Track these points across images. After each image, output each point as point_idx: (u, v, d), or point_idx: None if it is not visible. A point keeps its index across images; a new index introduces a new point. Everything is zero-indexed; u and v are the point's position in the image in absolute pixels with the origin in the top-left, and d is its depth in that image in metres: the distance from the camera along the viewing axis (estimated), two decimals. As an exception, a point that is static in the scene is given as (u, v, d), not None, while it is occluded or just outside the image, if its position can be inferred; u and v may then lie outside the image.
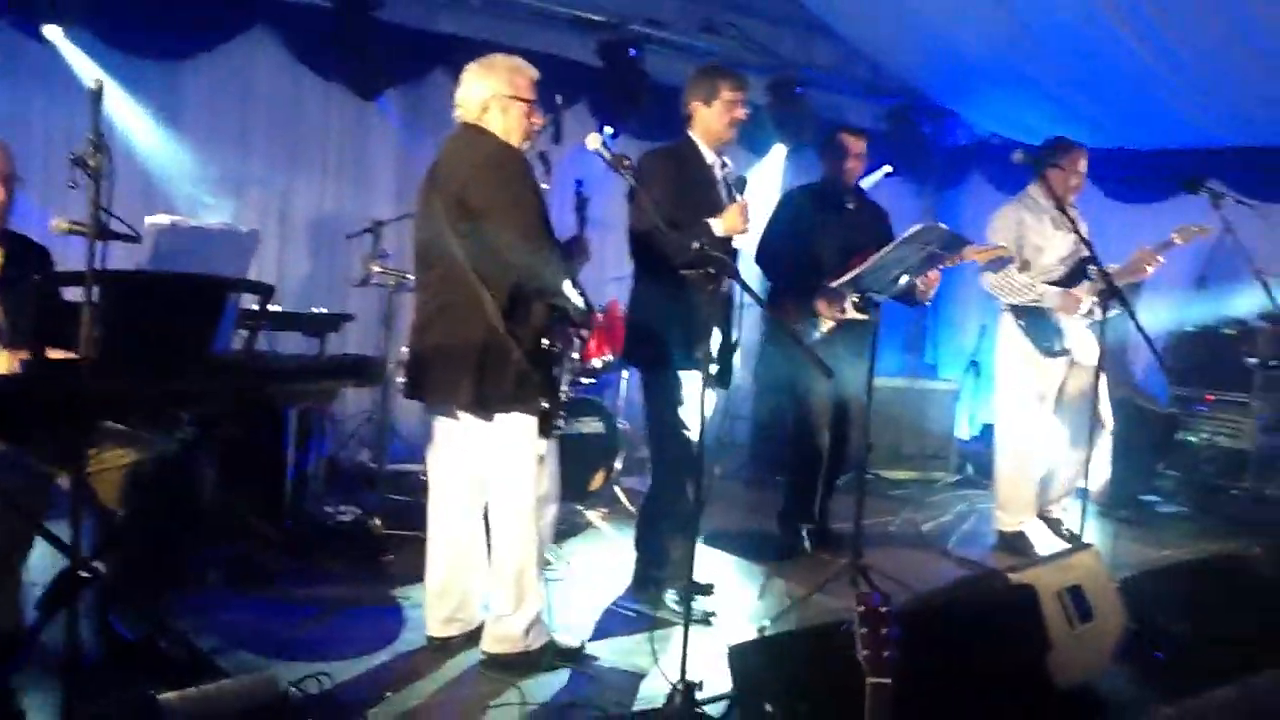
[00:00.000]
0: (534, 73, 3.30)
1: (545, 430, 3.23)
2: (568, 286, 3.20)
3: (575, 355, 4.83)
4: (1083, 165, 4.90)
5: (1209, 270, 6.66)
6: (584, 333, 3.41)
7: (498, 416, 3.19)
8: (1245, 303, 6.18)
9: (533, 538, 3.27)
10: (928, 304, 4.66)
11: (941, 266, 4.29)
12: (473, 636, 3.40)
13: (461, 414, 3.25)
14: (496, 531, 3.30)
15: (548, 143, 4.20)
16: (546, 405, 3.19)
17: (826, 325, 4.45)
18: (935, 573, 4.53)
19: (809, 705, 2.19)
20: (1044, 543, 4.97)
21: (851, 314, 4.29)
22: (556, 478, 3.40)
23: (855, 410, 4.61)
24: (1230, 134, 6.95)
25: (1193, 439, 6.55)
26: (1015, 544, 5.04)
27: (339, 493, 5.14)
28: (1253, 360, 6.07)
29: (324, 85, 6.02)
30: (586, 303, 3.42)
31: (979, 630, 2.48)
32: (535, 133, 3.31)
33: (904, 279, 4.16)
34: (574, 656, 3.39)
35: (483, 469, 3.29)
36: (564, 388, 3.32)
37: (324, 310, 4.91)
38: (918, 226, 3.91)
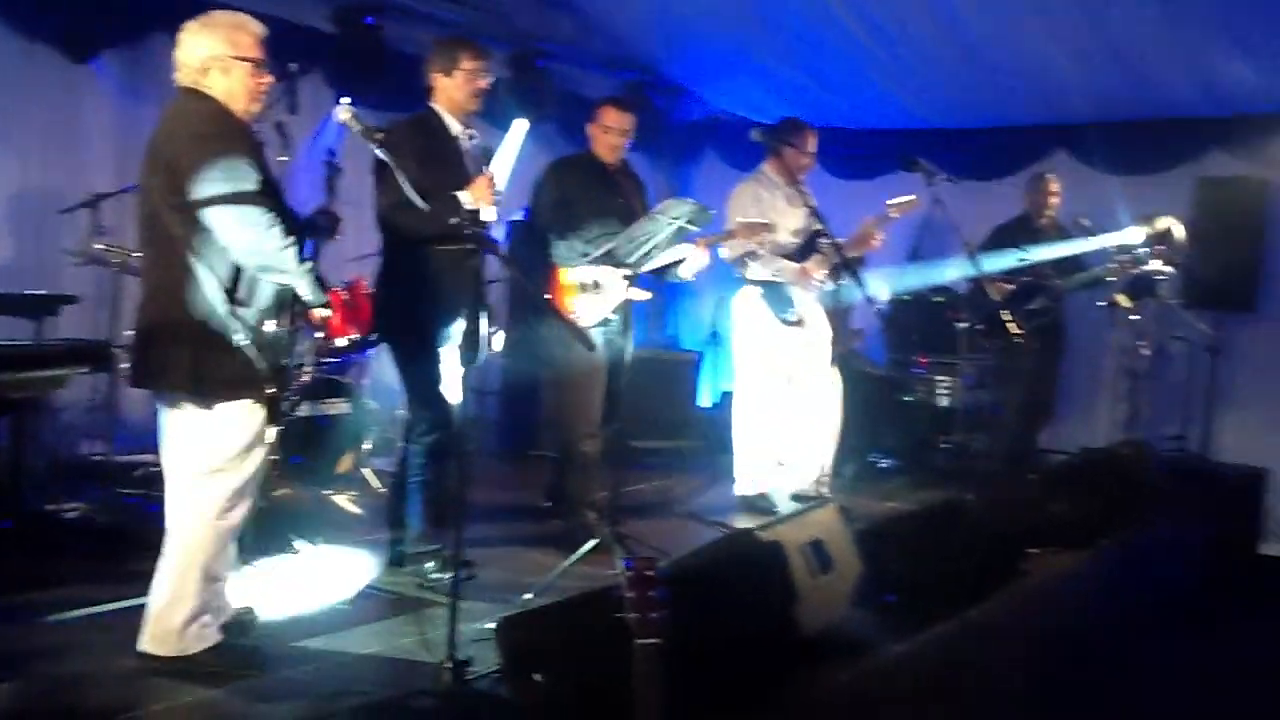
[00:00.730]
0: (259, 29, 3.07)
1: (274, 417, 3.06)
2: (296, 262, 2.98)
3: (319, 335, 4.67)
4: (813, 144, 5.19)
5: (921, 243, 7.22)
6: (323, 312, 3.28)
7: (218, 404, 2.97)
8: (953, 272, 6.74)
9: (214, 534, 3.01)
10: (691, 279, 4.76)
11: (711, 245, 4.42)
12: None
13: (183, 400, 2.99)
14: (174, 517, 3.02)
15: (284, 114, 4.02)
16: (273, 390, 3.01)
17: (613, 302, 4.47)
18: (687, 537, 4.70)
19: (579, 672, 2.24)
20: (783, 503, 5.26)
21: (637, 294, 4.37)
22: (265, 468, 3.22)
23: (617, 383, 4.69)
24: (938, 117, 7.56)
25: (909, 399, 7.09)
26: (758, 505, 5.31)
27: (63, 487, 4.75)
28: (960, 324, 6.61)
29: (27, 46, 5.49)
30: (321, 280, 3.20)
31: (734, 587, 2.62)
32: (262, 94, 3.09)
33: (655, 253, 4.28)
34: (251, 662, 3.10)
35: (204, 457, 3.03)
36: (307, 369, 3.20)
37: (41, 292, 4.52)
38: (667, 201, 4.03)
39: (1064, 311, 6.27)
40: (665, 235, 4.19)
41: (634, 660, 1.98)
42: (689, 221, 4.17)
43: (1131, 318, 6.18)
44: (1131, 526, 4.58)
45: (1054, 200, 6.20)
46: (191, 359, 2.92)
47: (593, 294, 4.40)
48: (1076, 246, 6.09)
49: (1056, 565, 3.94)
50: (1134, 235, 5.98)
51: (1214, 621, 5.48)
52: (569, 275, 4.42)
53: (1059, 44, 6.20)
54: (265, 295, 3.02)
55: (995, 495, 3.98)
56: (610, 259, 4.18)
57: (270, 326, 3.01)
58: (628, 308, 4.48)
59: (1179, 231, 6.27)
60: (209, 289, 2.92)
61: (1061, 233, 6.18)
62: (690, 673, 2.18)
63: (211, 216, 2.87)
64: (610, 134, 4.64)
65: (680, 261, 4.55)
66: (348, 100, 3.34)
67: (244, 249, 2.92)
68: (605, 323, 4.42)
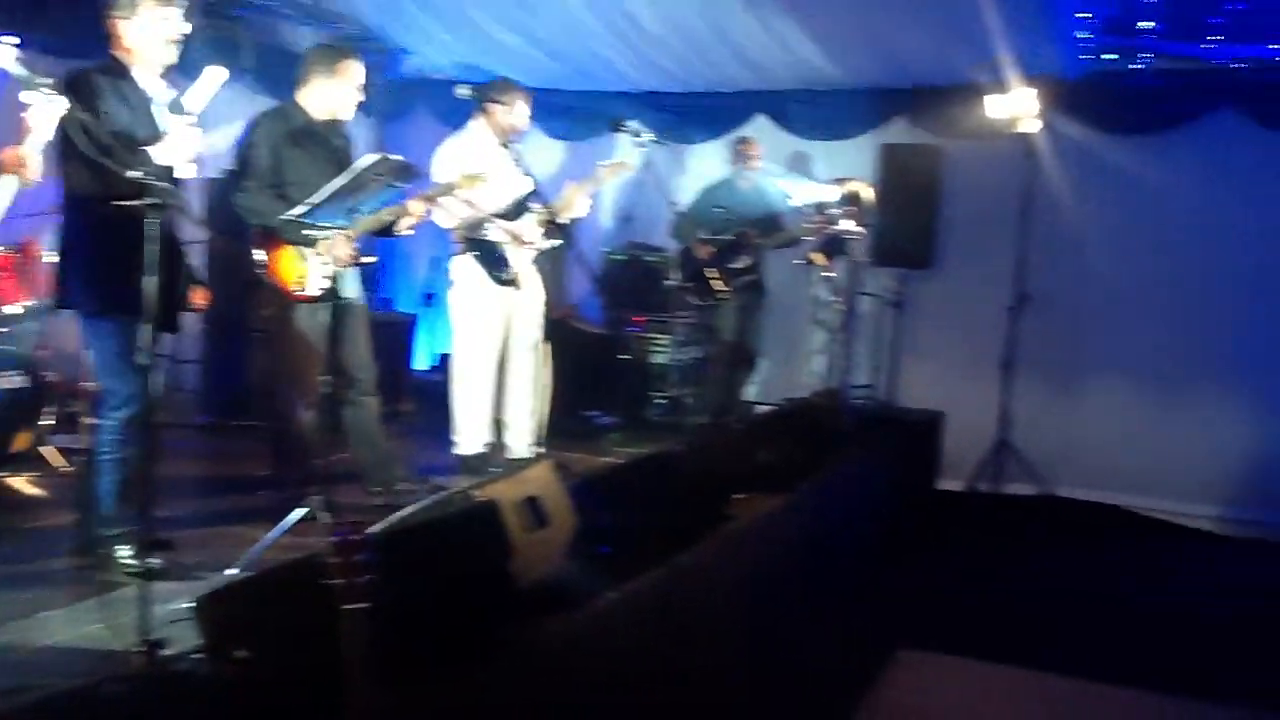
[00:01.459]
0: None
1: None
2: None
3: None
4: (523, 104, 5.18)
5: (632, 203, 7.40)
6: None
7: None
8: (663, 231, 6.96)
9: None
10: (409, 234, 4.62)
11: (433, 199, 4.30)
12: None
13: None
14: None
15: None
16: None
17: (336, 264, 4.24)
18: (402, 500, 4.62)
19: (285, 644, 2.16)
20: (501, 462, 5.28)
21: (360, 257, 4.21)
22: None
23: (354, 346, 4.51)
24: (648, 79, 7.73)
25: (625, 357, 7.28)
26: (475, 465, 5.30)
27: None
28: (668, 282, 6.81)
29: None
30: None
31: (448, 547, 2.61)
32: None
33: (361, 211, 4.14)
34: None
35: None
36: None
37: None
38: (372, 157, 3.91)
39: (764, 270, 6.62)
40: (369, 193, 4.05)
41: (341, 627, 1.94)
42: (394, 179, 4.06)
43: (826, 275, 6.59)
44: (827, 469, 4.91)
45: (755, 163, 6.51)
46: None
47: (312, 255, 4.22)
48: (775, 206, 6.45)
49: (761, 509, 4.16)
50: (828, 197, 6.37)
51: (901, 550, 5.99)
52: (284, 235, 4.20)
53: (757, 15, 6.48)
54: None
55: (703, 446, 4.15)
56: (312, 216, 4.00)
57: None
58: (350, 270, 4.33)
59: (867, 194, 6.74)
60: None
61: (761, 193, 6.52)
62: (403, 635, 2.16)
63: None
64: (349, 89, 4.44)
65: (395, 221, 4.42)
66: (14, 41, 3.01)
67: None
68: (329, 285, 4.25)
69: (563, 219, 4.70)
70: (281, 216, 4.01)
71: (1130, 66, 7.12)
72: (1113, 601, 5.74)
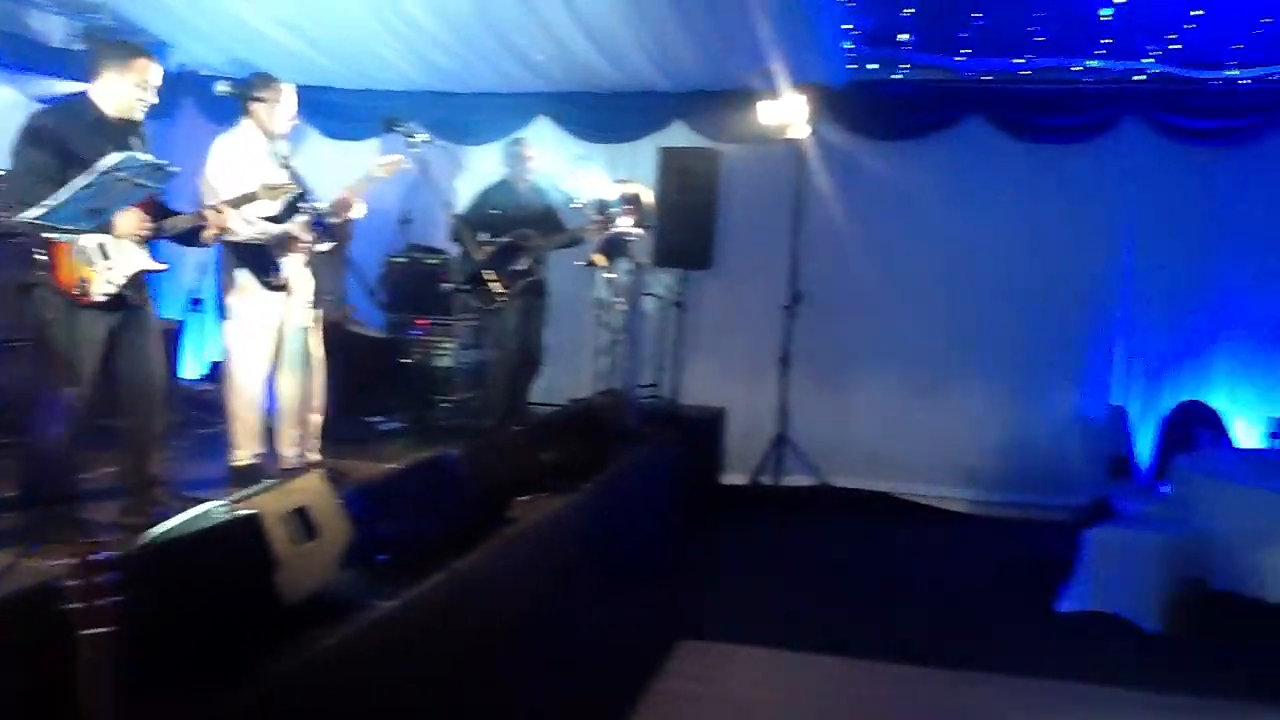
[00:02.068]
0: None
1: None
2: None
3: None
4: (290, 100, 4.98)
5: (411, 205, 7.27)
6: None
7: None
8: (442, 233, 6.86)
9: None
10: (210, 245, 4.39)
11: (240, 205, 4.09)
12: None
13: None
14: None
15: None
16: None
17: (125, 272, 3.96)
18: (165, 514, 4.38)
19: (19, 674, 2.01)
20: (275, 472, 5.08)
21: (151, 265, 3.95)
22: None
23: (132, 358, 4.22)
24: (427, 78, 7.63)
25: (409, 361, 7.14)
26: (249, 476, 5.07)
27: None
28: (447, 286, 6.72)
29: None
30: None
31: (207, 562, 2.48)
32: None
33: (107, 213, 3.88)
34: None
35: None
36: None
37: None
38: (116, 156, 3.67)
39: (545, 271, 6.62)
40: (115, 194, 3.80)
41: (79, 653, 1.82)
42: (143, 179, 3.83)
43: (608, 276, 6.67)
44: (612, 468, 4.97)
45: (530, 164, 6.47)
46: None
47: (98, 261, 3.93)
48: (555, 208, 6.46)
49: (545, 510, 4.16)
50: (608, 198, 6.45)
51: (687, 544, 6.14)
52: (69, 239, 3.90)
53: (536, 20, 6.48)
54: None
55: (484, 448, 4.12)
56: (53, 218, 3.72)
57: None
58: (141, 278, 4.08)
59: (647, 197, 6.87)
60: None
61: (540, 194, 6.51)
62: (153, 659, 2.05)
63: None
64: (140, 87, 4.14)
65: (199, 229, 4.19)
66: None
67: None
68: (116, 293, 3.98)
69: (336, 220, 4.55)
70: (17, 218, 3.72)
71: (891, 76, 7.54)
72: (880, 582, 6.06)
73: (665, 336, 7.63)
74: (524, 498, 4.18)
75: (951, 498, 7.58)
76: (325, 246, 4.47)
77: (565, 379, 7.43)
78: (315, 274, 4.52)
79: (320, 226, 4.23)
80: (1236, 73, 6.99)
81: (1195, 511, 5.60)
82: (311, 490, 3.09)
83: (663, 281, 7.41)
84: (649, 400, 7.25)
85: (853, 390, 7.79)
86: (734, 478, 7.66)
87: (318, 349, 5.17)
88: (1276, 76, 6.94)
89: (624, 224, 6.36)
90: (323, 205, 4.45)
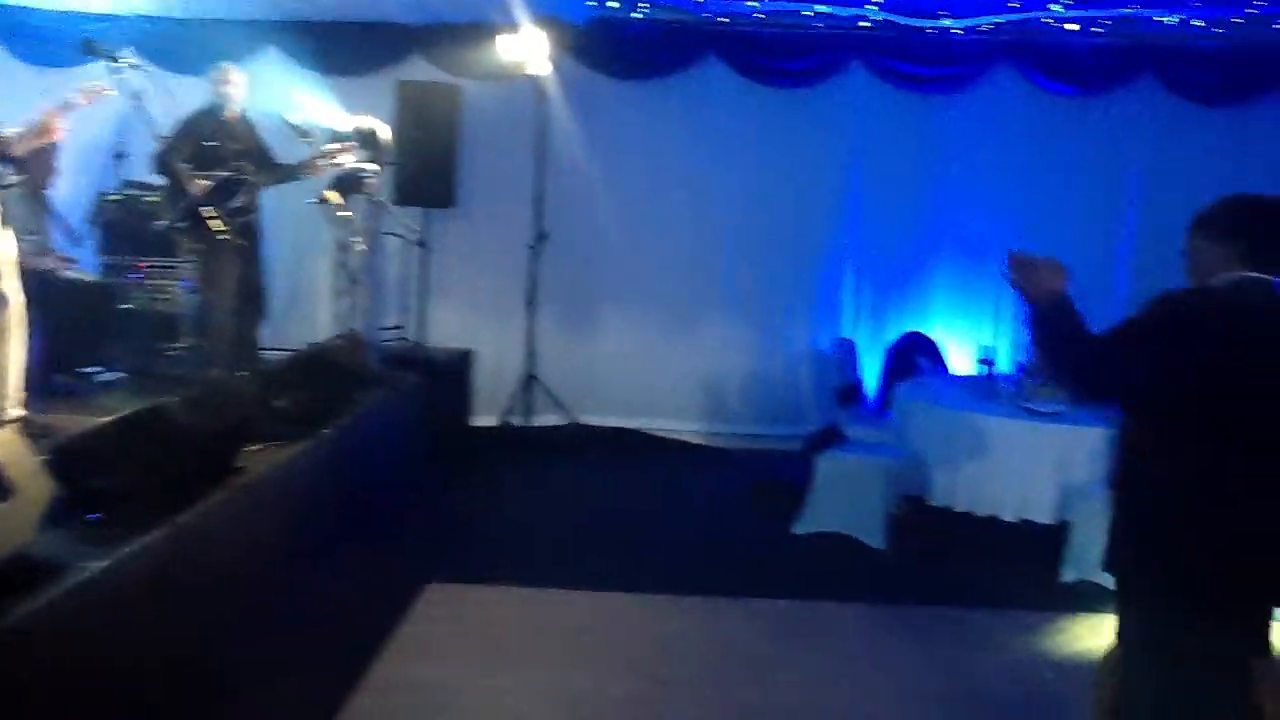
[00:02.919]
0: None
1: None
2: None
3: None
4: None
5: (126, 139, 6.71)
6: None
7: None
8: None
9: None
10: None
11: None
12: None
13: None
14: None
15: None
16: None
17: None
18: None
19: None
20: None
21: None
22: None
23: None
24: (144, 4, 7.02)
25: (132, 306, 6.63)
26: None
27: None
28: (160, 224, 6.15)
29: None
30: None
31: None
32: None
33: None
34: None
35: None
36: None
37: None
38: None
39: (263, 207, 6.15)
40: None
41: None
42: None
43: (343, 214, 6.39)
44: (353, 413, 4.79)
45: (235, 92, 5.91)
46: None
47: None
48: (266, 142, 6.02)
49: (276, 460, 3.96)
50: (340, 132, 6.15)
51: (437, 487, 6.03)
52: None
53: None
54: None
55: (208, 396, 3.86)
56: None
57: None
58: None
59: (384, 132, 6.61)
60: None
61: (250, 127, 6.00)
62: None
63: None
64: None
65: None
66: None
67: None
68: None
69: (24, 150, 4.11)
70: None
71: (631, 14, 7.55)
72: (629, 516, 6.19)
73: (409, 277, 7.43)
74: (254, 447, 3.97)
75: (698, 431, 7.81)
76: (14, 179, 4.04)
77: (302, 324, 7.11)
78: (7, 212, 4.07)
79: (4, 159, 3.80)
80: (949, 23, 7.42)
81: (913, 435, 6.00)
82: (6, 446, 2.81)
83: (404, 220, 7.18)
84: (392, 343, 7.06)
85: (600, 329, 7.86)
86: (484, 419, 7.60)
87: (15, 295, 4.70)
88: (985, 28, 7.42)
89: (356, 160, 6.09)
90: (9, 133, 4.00)
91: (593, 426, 7.68)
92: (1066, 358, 2.57)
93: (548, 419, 7.59)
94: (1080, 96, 7.64)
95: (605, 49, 7.60)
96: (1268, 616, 2.56)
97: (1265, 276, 2.58)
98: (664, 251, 7.77)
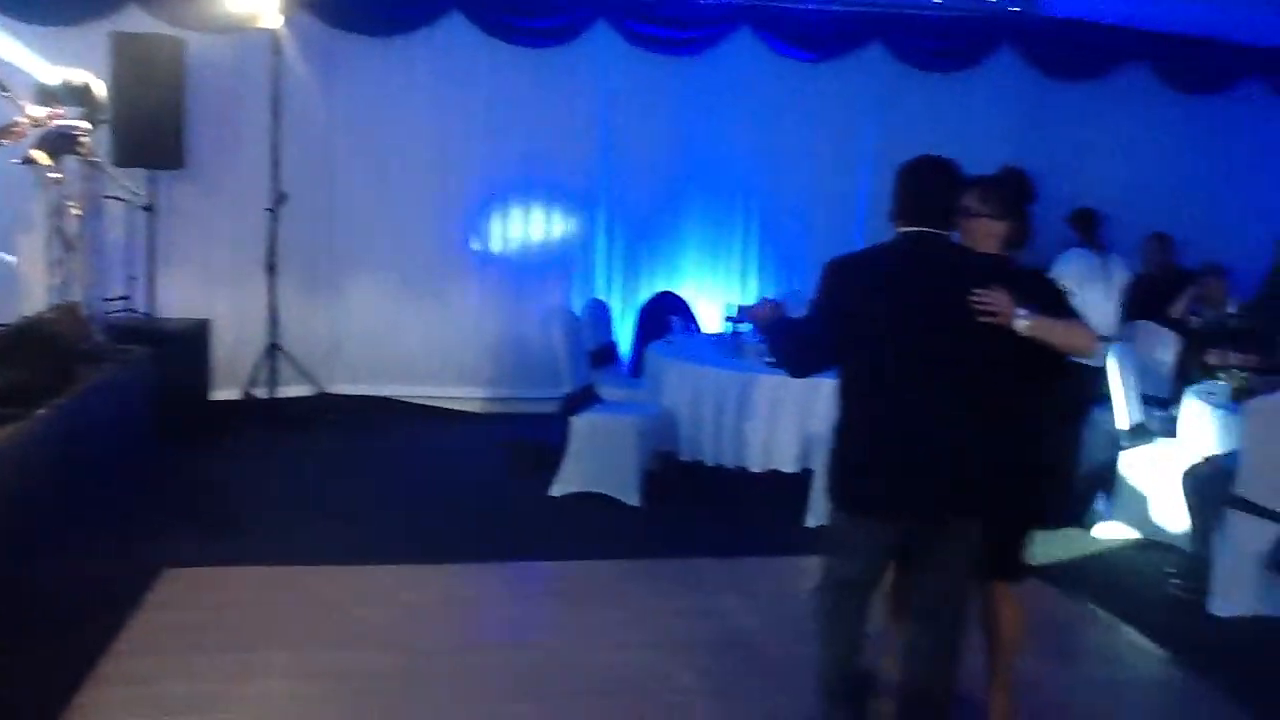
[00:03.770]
0: None
1: None
2: None
3: None
4: None
5: None
6: None
7: None
8: None
9: None
10: None
11: None
12: None
13: None
14: None
15: None
16: None
17: None
18: None
19: None
20: None
21: None
22: None
23: None
24: None
25: None
26: None
27: None
28: None
29: None
30: None
31: None
32: None
33: None
34: None
35: None
36: None
37: None
38: None
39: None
40: None
41: None
42: None
43: (54, 176, 5.86)
44: (72, 391, 4.43)
45: None
46: None
47: None
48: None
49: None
50: (45, 87, 5.64)
51: (173, 465, 5.67)
52: None
53: None
54: None
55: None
56: None
57: None
58: None
59: (99, 88, 6.09)
60: None
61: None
62: None
63: None
64: None
65: None
66: None
67: None
68: None
69: None
70: None
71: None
72: (381, 486, 6.04)
73: (135, 244, 6.91)
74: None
75: (452, 397, 7.70)
76: None
77: (13, 296, 6.49)
78: None
79: None
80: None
81: (665, 393, 6.13)
82: None
83: (127, 183, 6.66)
84: (118, 314, 6.55)
85: (346, 294, 7.60)
86: (225, 393, 7.22)
87: None
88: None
89: (61, 117, 5.57)
90: None
91: (341, 396, 7.44)
92: (787, 351, 3.24)
93: (293, 389, 7.29)
94: (815, 62, 7.96)
95: (343, 3, 7.29)
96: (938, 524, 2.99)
97: (917, 229, 2.97)
98: (411, 214, 7.58)
